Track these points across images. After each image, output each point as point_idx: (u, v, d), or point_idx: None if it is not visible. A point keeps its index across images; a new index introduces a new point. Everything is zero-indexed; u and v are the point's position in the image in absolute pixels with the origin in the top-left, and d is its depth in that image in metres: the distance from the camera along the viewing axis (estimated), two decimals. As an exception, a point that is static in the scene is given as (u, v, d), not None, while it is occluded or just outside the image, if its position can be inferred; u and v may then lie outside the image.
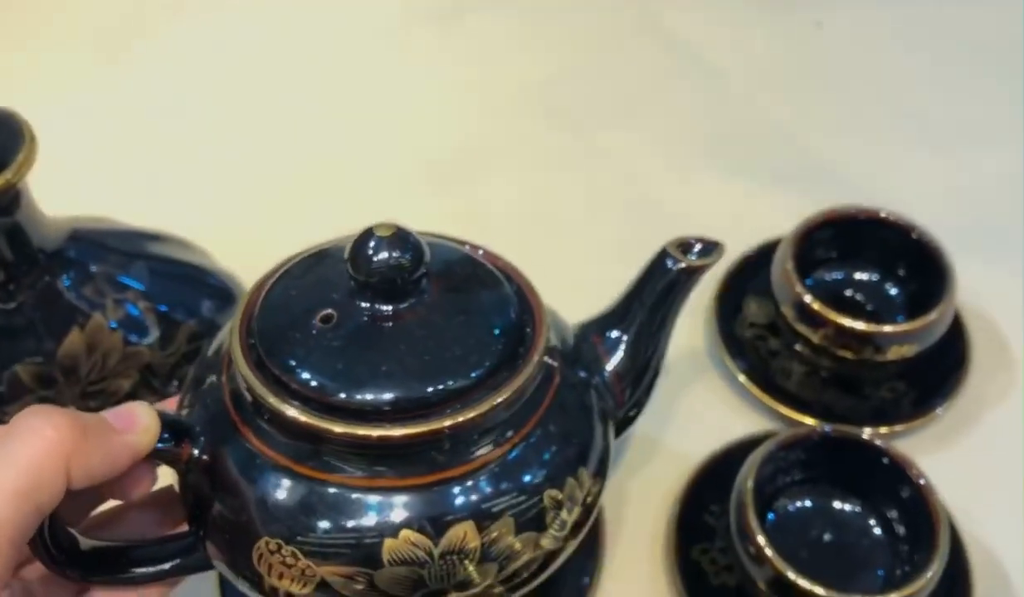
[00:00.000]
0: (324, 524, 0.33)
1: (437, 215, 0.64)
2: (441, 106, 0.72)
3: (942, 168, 0.65)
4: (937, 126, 0.69)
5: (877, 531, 0.45)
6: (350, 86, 0.74)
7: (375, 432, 0.32)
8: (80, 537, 0.37)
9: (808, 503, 0.46)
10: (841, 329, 0.49)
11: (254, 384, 0.34)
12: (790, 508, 0.46)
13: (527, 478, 0.35)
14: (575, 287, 0.58)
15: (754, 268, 0.57)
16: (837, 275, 0.55)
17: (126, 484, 0.35)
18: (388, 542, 0.33)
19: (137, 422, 0.34)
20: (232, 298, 0.52)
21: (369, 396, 0.33)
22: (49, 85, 0.72)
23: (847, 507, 0.46)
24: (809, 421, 0.51)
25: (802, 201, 0.57)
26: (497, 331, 0.36)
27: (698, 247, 0.41)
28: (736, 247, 0.59)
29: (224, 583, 0.46)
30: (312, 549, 0.33)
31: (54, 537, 0.34)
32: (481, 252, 0.41)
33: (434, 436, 0.33)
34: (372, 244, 0.34)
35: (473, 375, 0.34)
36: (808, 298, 0.50)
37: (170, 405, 0.39)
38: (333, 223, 0.62)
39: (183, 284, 0.50)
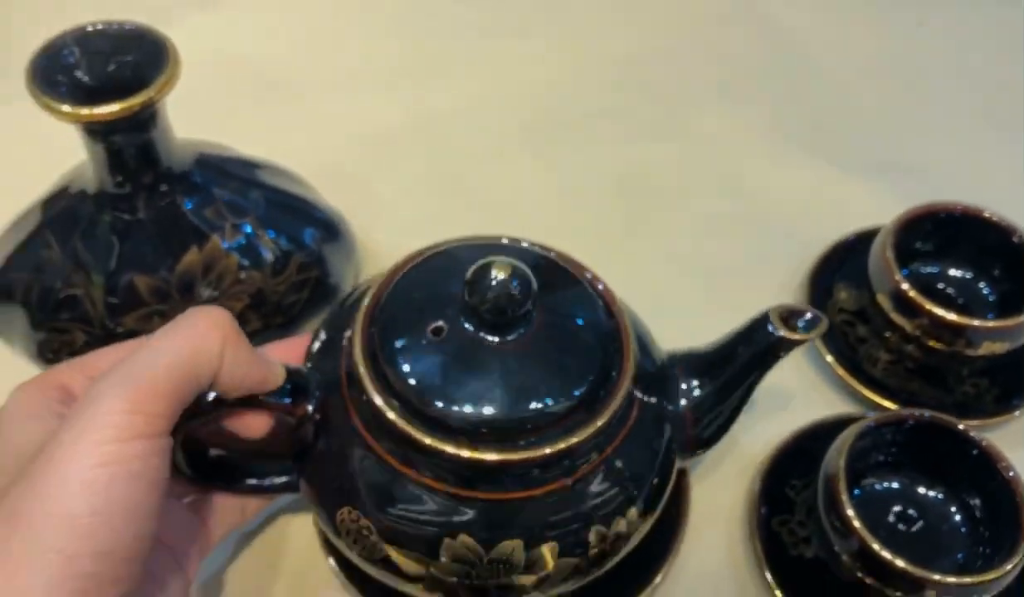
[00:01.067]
0: (398, 511, 0.37)
1: (529, 176, 0.66)
2: (539, 71, 0.74)
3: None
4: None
5: (958, 518, 0.46)
6: (453, 45, 0.76)
7: (463, 452, 0.35)
8: (207, 447, 0.40)
9: (894, 484, 0.47)
10: (936, 320, 0.50)
11: (364, 375, 0.37)
12: (876, 487, 0.47)
13: (581, 512, 0.38)
14: (663, 260, 0.60)
15: (846, 256, 0.58)
16: (932, 269, 0.55)
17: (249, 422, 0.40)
18: (447, 540, 0.37)
19: (275, 365, 0.38)
20: (337, 232, 0.53)
21: (463, 414, 0.36)
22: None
23: (931, 493, 0.46)
24: (892, 408, 0.51)
25: (893, 195, 0.58)
26: (589, 361, 0.38)
27: (803, 320, 0.41)
28: (826, 234, 0.59)
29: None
30: (384, 528, 0.37)
31: (187, 452, 0.40)
32: (585, 272, 0.42)
33: (515, 464, 0.36)
34: (489, 278, 0.37)
35: (560, 409, 0.37)
36: (906, 286, 0.50)
37: (296, 349, 0.42)
38: (428, 176, 0.65)
39: (294, 215, 0.52)
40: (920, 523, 0.46)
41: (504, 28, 0.77)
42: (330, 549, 0.45)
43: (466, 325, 0.38)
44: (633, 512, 0.39)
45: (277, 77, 0.72)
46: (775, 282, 0.58)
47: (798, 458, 0.49)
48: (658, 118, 0.70)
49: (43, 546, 0.30)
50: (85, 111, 0.41)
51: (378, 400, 0.36)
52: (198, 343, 0.34)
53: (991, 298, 0.54)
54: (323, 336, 0.42)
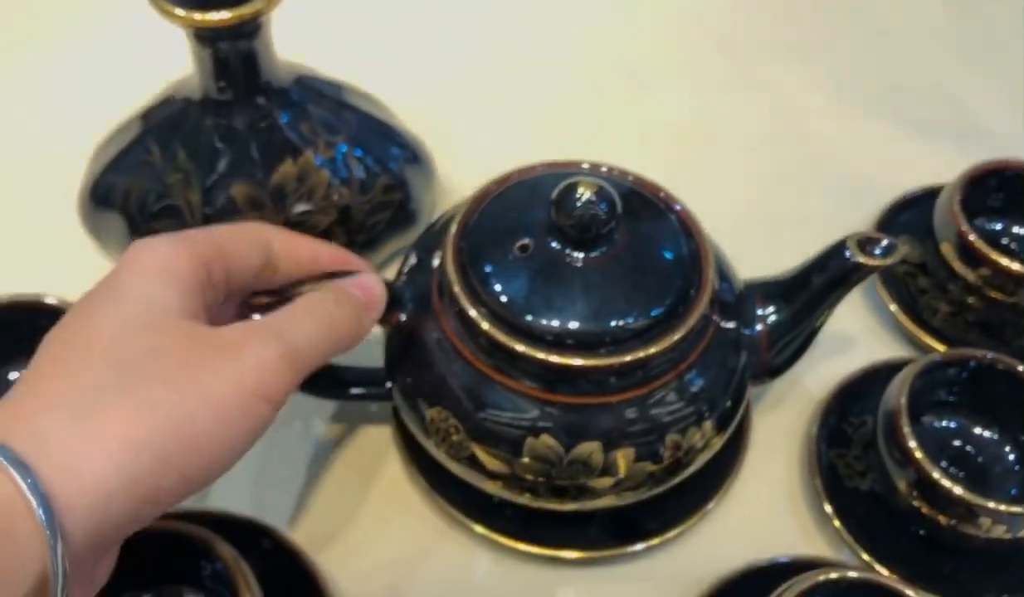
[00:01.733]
0: (484, 412, 0.39)
1: (600, 121, 0.67)
2: (615, 19, 0.75)
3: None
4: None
5: (1012, 458, 0.47)
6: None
7: (550, 357, 0.37)
8: None
9: (951, 423, 0.48)
10: (999, 269, 0.51)
11: (455, 284, 0.39)
12: (934, 424, 0.48)
13: (658, 419, 0.40)
14: (729, 210, 0.61)
15: (910, 209, 0.59)
16: (997, 225, 0.56)
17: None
18: (530, 440, 0.39)
19: (376, 298, 0.40)
20: (418, 158, 0.55)
21: (548, 324, 0.38)
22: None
23: (987, 433, 0.48)
24: (952, 356, 0.53)
25: (958, 154, 0.59)
26: (668, 280, 0.40)
27: (879, 247, 0.42)
28: (890, 189, 0.60)
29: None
30: (471, 428, 0.40)
31: None
32: (662, 194, 0.44)
33: (595, 369, 0.38)
34: (575, 196, 0.39)
35: (642, 321, 0.38)
36: (972, 236, 0.51)
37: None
38: (503, 113, 0.66)
39: (381, 138, 0.54)
40: (975, 460, 0.47)
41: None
42: (409, 451, 0.48)
43: (552, 242, 0.40)
44: (708, 426, 0.41)
45: (358, 5, 0.74)
46: (839, 234, 0.59)
47: (857, 396, 0.51)
48: (727, 71, 0.71)
49: (149, 439, 0.30)
50: (198, 16, 0.43)
51: (471, 310, 0.39)
52: (342, 335, 0.37)
53: (1053, 254, 0.55)
54: (413, 258, 0.45)
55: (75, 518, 0.28)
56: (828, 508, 0.47)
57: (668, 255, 0.41)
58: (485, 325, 0.38)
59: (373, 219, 0.52)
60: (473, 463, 0.40)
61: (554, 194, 0.39)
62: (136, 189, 0.50)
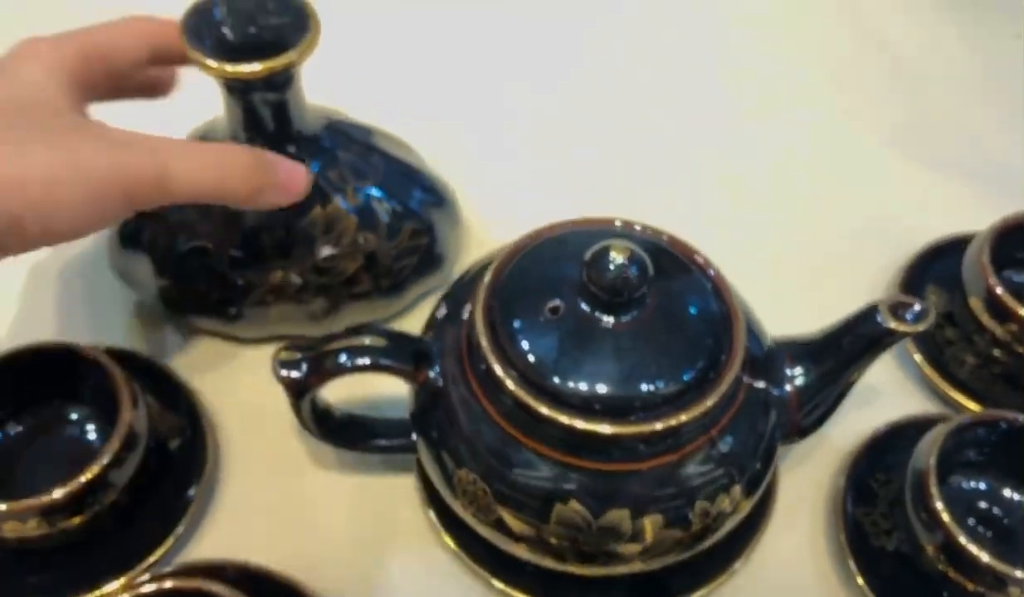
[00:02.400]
0: (513, 476, 0.39)
1: (629, 155, 0.67)
2: (642, 52, 0.75)
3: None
4: None
5: (1041, 520, 0.47)
6: (551, 12, 0.77)
7: (577, 423, 0.37)
8: (333, 408, 0.43)
9: (980, 484, 0.48)
10: (1020, 319, 0.50)
11: (484, 345, 0.39)
12: (962, 485, 0.48)
13: (688, 485, 0.39)
14: (755, 248, 0.61)
15: (939, 258, 0.58)
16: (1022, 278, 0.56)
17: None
18: (559, 506, 0.38)
19: (293, 187, 0.44)
20: (444, 202, 0.55)
21: (578, 389, 0.38)
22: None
23: (1016, 496, 0.47)
24: (976, 409, 0.52)
25: (989, 202, 0.58)
26: (700, 343, 0.40)
27: (911, 312, 0.42)
28: (919, 234, 0.60)
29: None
30: (498, 491, 0.39)
31: (315, 412, 0.44)
32: (696, 256, 0.44)
33: (626, 437, 0.38)
34: (607, 260, 0.38)
35: (673, 386, 0.38)
36: (1000, 290, 0.51)
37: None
38: (531, 158, 0.66)
39: (408, 182, 0.54)
40: (1003, 522, 0.47)
41: (607, 6, 0.79)
42: (431, 503, 0.47)
43: (582, 305, 0.40)
44: (737, 490, 0.40)
45: (386, 46, 0.74)
46: (867, 278, 0.59)
47: (883, 452, 0.50)
48: (760, 108, 0.71)
49: (21, 185, 0.35)
50: (230, 68, 0.43)
51: (499, 370, 0.38)
52: (219, 194, 0.42)
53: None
54: (443, 311, 0.44)
55: None
56: (853, 566, 0.47)
57: (699, 318, 0.41)
58: (512, 385, 0.38)
59: (400, 264, 0.52)
60: (499, 526, 0.40)
61: (586, 257, 0.39)
62: (163, 233, 0.50)
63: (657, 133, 0.69)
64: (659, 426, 0.37)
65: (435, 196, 0.55)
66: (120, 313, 0.55)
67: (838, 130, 0.70)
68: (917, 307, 0.42)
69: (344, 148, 0.51)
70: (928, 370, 0.54)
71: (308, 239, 0.49)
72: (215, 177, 0.40)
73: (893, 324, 0.42)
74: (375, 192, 0.51)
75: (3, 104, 0.38)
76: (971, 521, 0.47)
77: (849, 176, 0.66)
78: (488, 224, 0.60)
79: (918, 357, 0.55)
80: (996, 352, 0.53)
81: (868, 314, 0.42)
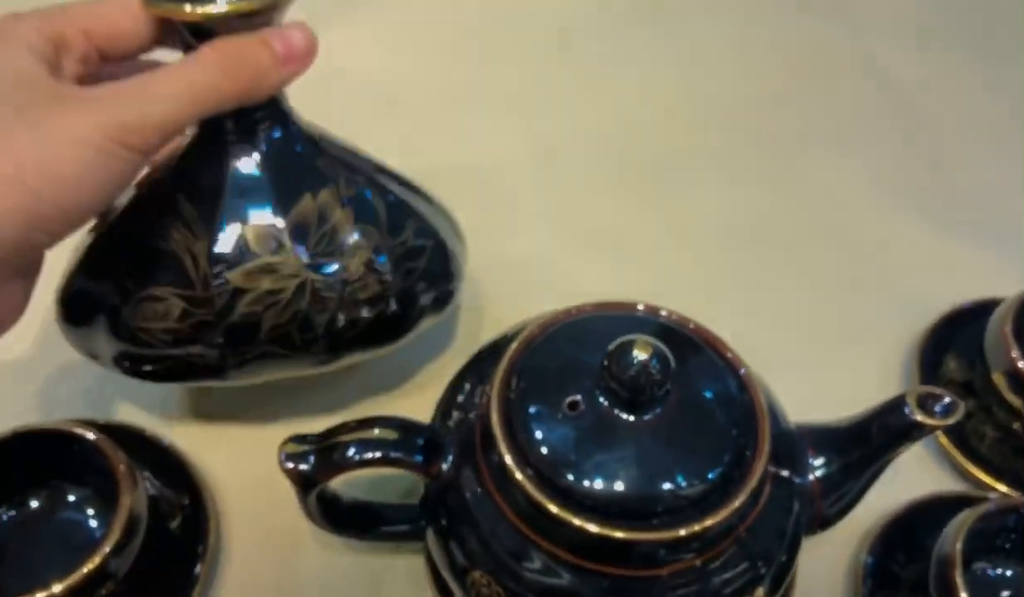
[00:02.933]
0: (527, 578, 0.38)
1: (635, 213, 0.66)
2: (651, 109, 0.74)
3: None
4: None
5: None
6: (562, 76, 0.76)
7: (591, 527, 0.35)
8: (341, 495, 0.42)
9: (1007, 571, 0.47)
10: (1045, 405, 0.49)
11: (499, 438, 0.37)
12: (988, 571, 0.46)
13: (712, 589, 0.38)
14: (767, 314, 0.60)
15: (959, 325, 0.57)
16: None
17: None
18: None
19: (298, 52, 0.41)
20: (442, 213, 0.52)
21: (592, 489, 0.36)
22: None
23: (1038, 581, 0.46)
24: (1001, 487, 0.51)
25: (1013, 266, 0.57)
26: (724, 442, 0.38)
27: (940, 405, 0.40)
28: (938, 299, 0.59)
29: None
30: (514, 592, 0.38)
31: (323, 502, 0.42)
32: (722, 348, 0.42)
33: (643, 543, 0.36)
34: (630, 357, 0.37)
35: (693, 491, 0.37)
36: (1022, 365, 0.50)
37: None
38: (535, 205, 0.65)
39: (407, 189, 0.50)
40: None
41: (618, 63, 0.78)
42: (440, 590, 0.46)
43: (602, 400, 0.38)
44: (760, 592, 0.39)
45: (392, 94, 0.73)
46: (884, 346, 0.58)
47: (904, 532, 0.49)
48: (767, 165, 0.70)
49: (18, 177, 0.35)
50: (193, 7, 0.38)
51: (512, 466, 0.37)
52: (211, 104, 0.39)
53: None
54: (457, 393, 0.43)
55: None
56: (875, 653, 0.46)
57: (724, 411, 0.39)
58: (528, 485, 0.36)
59: (409, 265, 0.48)
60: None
61: (608, 352, 0.38)
62: (127, 253, 0.45)
63: (658, 189, 0.68)
64: (682, 532, 0.36)
65: (434, 205, 0.52)
66: (109, 384, 0.54)
67: (848, 186, 0.69)
68: (947, 400, 0.41)
69: (331, 147, 0.47)
70: (946, 443, 0.53)
71: (301, 232, 0.44)
72: (199, 102, 0.39)
73: (921, 418, 0.40)
74: (371, 187, 0.47)
75: None
76: (1003, 600, 0.46)
77: (863, 236, 0.65)
78: (505, 301, 0.58)
79: (941, 438, 0.54)
80: (1017, 426, 0.52)
81: (896, 405, 0.41)
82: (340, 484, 0.43)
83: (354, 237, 0.45)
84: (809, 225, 0.66)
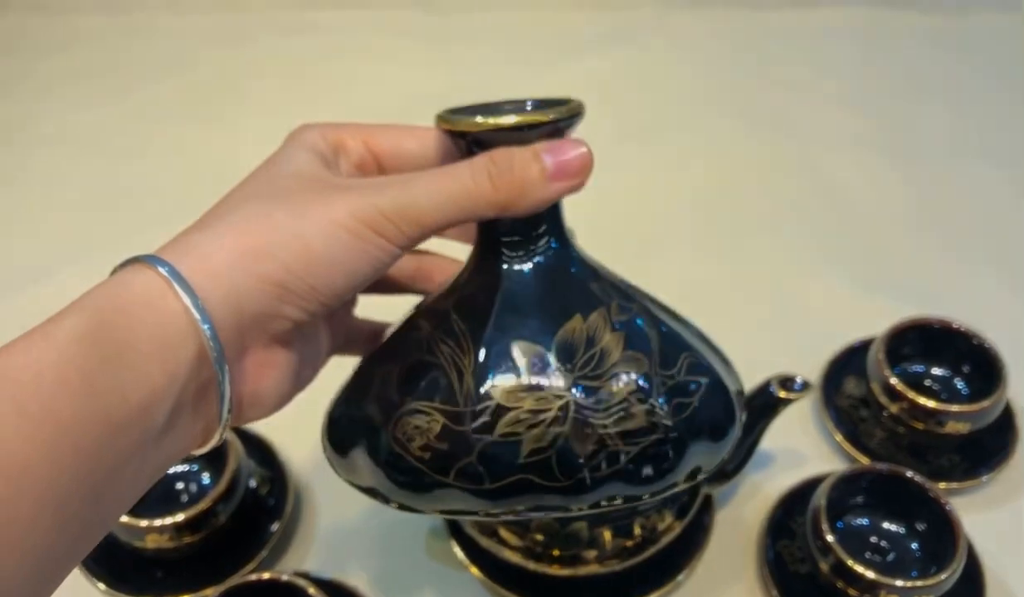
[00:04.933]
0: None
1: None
2: (621, 198, 0.93)
3: (1021, 302, 0.81)
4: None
5: (914, 546, 0.61)
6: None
7: None
8: None
9: (866, 521, 0.62)
10: (913, 404, 0.66)
11: None
12: (853, 523, 0.62)
13: (629, 508, 0.53)
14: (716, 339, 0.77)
15: (855, 354, 0.74)
16: (919, 368, 0.71)
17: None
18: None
19: (571, 168, 0.40)
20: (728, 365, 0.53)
21: None
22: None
23: (894, 527, 0.62)
24: (882, 472, 0.67)
25: (899, 309, 0.74)
26: None
27: (796, 384, 0.58)
28: (840, 336, 0.76)
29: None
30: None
31: None
32: None
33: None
34: None
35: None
36: (893, 380, 0.67)
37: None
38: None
39: (681, 323, 0.51)
40: (888, 550, 0.61)
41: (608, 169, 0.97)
42: (454, 533, 0.63)
43: None
44: (667, 516, 0.56)
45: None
46: (800, 369, 0.74)
47: (802, 499, 0.65)
48: (719, 243, 0.88)
49: (271, 251, 0.36)
50: (484, 119, 0.40)
51: None
52: (471, 208, 0.39)
53: (965, 392, 0.70)
54: None
55: (213, 300, 0.35)
56: (774, 590, 0.61)
57: None
58: None
59: (678, 400, 0.45)
60: (495, 536, 0.56)
61: None
62: (392, 373, 0.44)
63: (639, 264, 0.87)
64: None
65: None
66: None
67: (787, 259, 0.87)
68: (799, 380, 0.58)
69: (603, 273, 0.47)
70: (847, 446, 0.69)
71: (567, 353, 0.43)
72: (457, 208, 0.39)
73: (783, 394, 0.58)
74: (643, 315, 0.45)
75: (260, 181, 0.40)
76: (867, 553, 0.61)
77: (790, 292, 0.83)
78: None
79: (839, 437, 0.70)
80: (898, 428, 0.68)
81: (764, 387, 0.58)
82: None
83: (623, 363, 0.43)
84: (748, 286, 0.84)
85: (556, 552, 0.55)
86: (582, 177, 0.40)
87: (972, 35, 1.13)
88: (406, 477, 0.42)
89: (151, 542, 0.58)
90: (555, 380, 0.41)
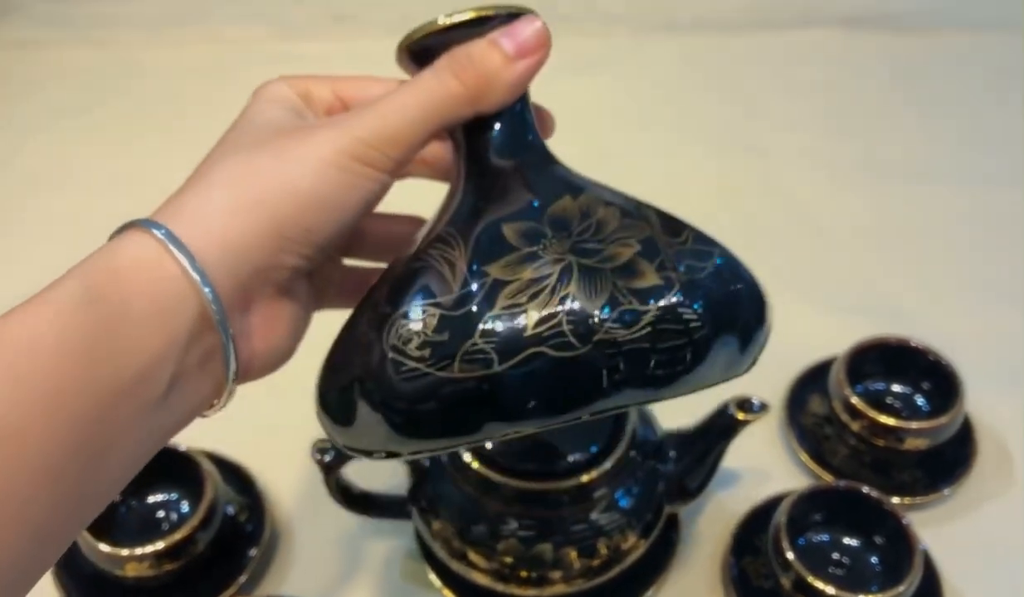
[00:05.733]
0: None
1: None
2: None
3: (983, 318, 0.83)
4: (986, 286, 0.87)
5: (874, 560, 0.63)
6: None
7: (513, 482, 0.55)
8: (352, 485, 0.62)
9: (827, 537, 0.64)
10: (873, 422, 0.68)
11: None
12: (815, 539, 0.64)
13: (596, 526, 0.57)
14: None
15: (819, 373, 0.76)
16: (880, 386, 0.73)
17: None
18: (502, 542, 0.57)
19: (529, 44, 0.40)
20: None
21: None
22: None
23: (854, 542, 0.64)
24: (845, 488, 0.69)
25: (862, 329, 0.76)
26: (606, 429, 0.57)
27: (753, 406, 0.60)
28: (804, 357, 0.78)
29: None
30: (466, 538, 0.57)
31: (340, 486, 0.61)
32: None
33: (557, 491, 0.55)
34: None
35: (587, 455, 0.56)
36: (854, 399, 0.68)
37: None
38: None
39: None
40: (848, 564, 0.63)
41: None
42: (427, 558, 0.65)
43: None
44: (631, 534, 0.58)
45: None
46: (766, 392, 0.76)
47: (767, 516, 0.66)
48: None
49: (261, 198, 0.36)
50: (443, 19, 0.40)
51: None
52: (445, 111, 0.39)
53: (925, 408, 0.72)
54: None
55: (211, 259, 0.35)
56: (739, 602, 0.63)
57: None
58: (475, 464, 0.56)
59: (688, 262, 0.41)
60: (464, 559, 0.58)
61: None
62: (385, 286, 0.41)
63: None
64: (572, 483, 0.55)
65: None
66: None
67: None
68: (756, 402, 0.60)
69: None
70: (811, 464, 0.71)
71: (560, 223, 0.40)
72: (433, 116, 0.39)
73: (740, 415, 0.59)
74: (633, 204, 0.43)
75: (237, 134, 0.40)
76: (830, 568, 0.63)
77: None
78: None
79: (803, 455, 0.72)
80: (860, 445, 0.70)
81: (723, 409, 0.60)
82: (355, 476, 0.63)
83: (622, 229, 0.40)
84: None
85: (523, 573, 0.57)
86: (543, 51, 0.40)
87: (941, 56, 1.15)
88: (408, 397, 0.37)
89: (131, 570, 0.60)
90: (552, 248, 0.39)
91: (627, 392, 0.38)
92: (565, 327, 0.37)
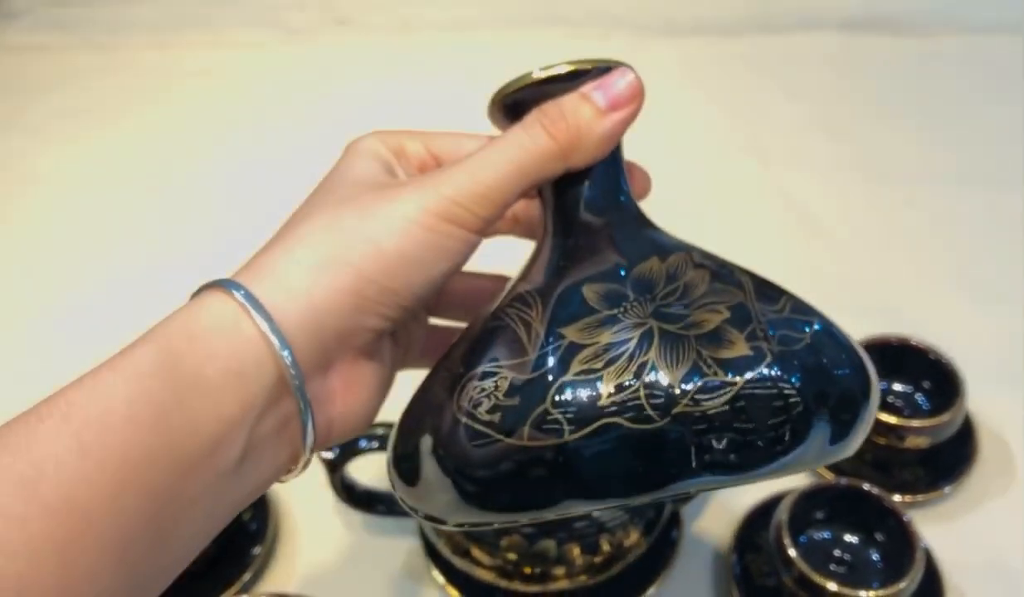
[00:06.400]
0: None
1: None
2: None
3: (983, 317, 0.84)
4: (985, 286, 0.87)
5: (875, 557, 0.63)
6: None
7: None
8: (356, 483, 0.62)
9: (828, 534, 0.65)
10: (876, 420, 0.68)
11: None
12: (816, 536, 0.64)
13: (598, 522, 0.57)
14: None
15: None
16: (881, 384, 0.73)
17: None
18: (505, 538, 0.57)
19: (622, 97, 0.39)
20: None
21: None
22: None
23: (856, 539, 0.64)
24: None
25: (864, 328, 0.77)
26: None
27: None
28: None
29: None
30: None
31: (344, 484, 0.61)
32: None
33: None
34: None
35: None
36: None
37: None
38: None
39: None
40: (850, 562, 0.63)
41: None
42: (431, 556, 0.65)
43: None
44: (634, 532, 0.58)
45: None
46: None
47: (769, 514, 0.67)
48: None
49: (346, 257, 0.35)
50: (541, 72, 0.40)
51: None
52: (536, 167, 0.38)
53: (925, 407, 0.72)
54: None
55: (290, 321, 0.34)
56: (741, 599, 0.64)
57: None
58: None
59: (782, 333, 0.37)
60: (467, 556, 0.58)
61: None
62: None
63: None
64: None
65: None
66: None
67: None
68: None
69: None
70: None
71: (645, 285, 0.38)
72: (523, 175, 0.38)
73: None
74: (726, 269, 0.41)
75: (324, 192, 0.39)
76: (832, 565, 0.64)
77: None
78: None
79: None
80: (874, 437, 0.70)
81: None
82: (359, 474, 0.64)
83: (711, 294, 0.38)
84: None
85: (527, 570, 0.57)
86: (636, 103, 0.39)
87: (939, 59, 1.16)
88: (477, 464, 0.35)
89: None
90: (633, 311, 0.36)
91: (715, 472, 0.34)
92: (642, 397, 0.34)
